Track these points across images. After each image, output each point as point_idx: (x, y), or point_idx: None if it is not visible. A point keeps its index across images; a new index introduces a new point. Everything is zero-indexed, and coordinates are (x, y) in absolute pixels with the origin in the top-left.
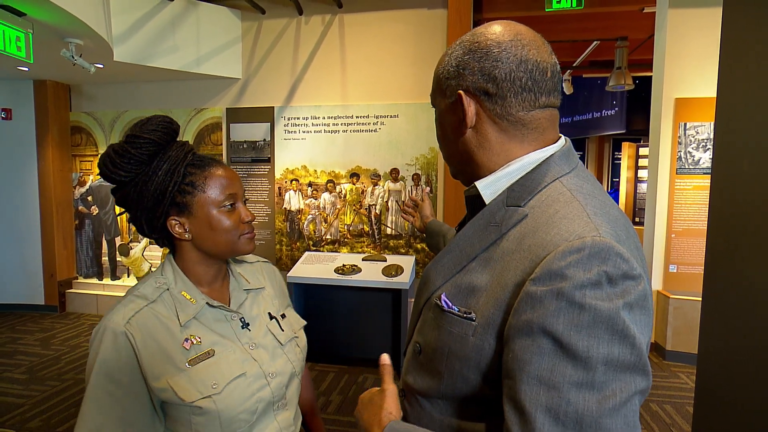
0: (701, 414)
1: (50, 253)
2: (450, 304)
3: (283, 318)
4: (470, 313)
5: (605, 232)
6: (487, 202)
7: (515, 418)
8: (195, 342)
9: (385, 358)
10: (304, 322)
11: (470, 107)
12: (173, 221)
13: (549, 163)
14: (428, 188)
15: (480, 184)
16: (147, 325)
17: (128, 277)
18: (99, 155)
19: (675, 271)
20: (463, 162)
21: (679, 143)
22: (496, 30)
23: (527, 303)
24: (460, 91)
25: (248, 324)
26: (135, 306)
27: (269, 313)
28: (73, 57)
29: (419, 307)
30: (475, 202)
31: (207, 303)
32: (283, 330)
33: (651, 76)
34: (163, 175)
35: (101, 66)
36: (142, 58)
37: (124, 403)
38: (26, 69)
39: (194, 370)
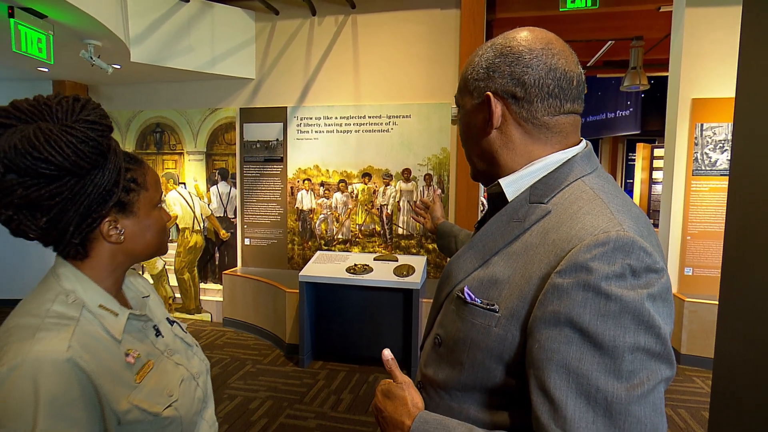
0: (717, 419)
1: None
2: (473, 296)
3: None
4: (493, 305)
5: (628, 227)
6: (509, 200)
7: (545, 406)
8: (135, 356)
9: (387, 353)
10: (185, 325)
11: (497, 109)
12: (108, 223)
13: (572, 164)
14: (439, 190)
15: (503, 182)
16: (88, 345)
17: (143, 274)
18: None
19: (690, 273)
20: (485, 161)
21: (696, 144)
22: (528, 36)
23: (553, 294)
24: (489, 93)
25: (159, 331)
26: (63, 328)
27: (167, 318)
28: (91, 58)
29: (440, 301)
30: (496, 200)
31: (130, 314)
32: (185, 332)
33: (667, 76)
34: (111, 170)
35: (118, 67)
36: (158, 58)
37: None
38: (46, 70)
39: (145, 384)
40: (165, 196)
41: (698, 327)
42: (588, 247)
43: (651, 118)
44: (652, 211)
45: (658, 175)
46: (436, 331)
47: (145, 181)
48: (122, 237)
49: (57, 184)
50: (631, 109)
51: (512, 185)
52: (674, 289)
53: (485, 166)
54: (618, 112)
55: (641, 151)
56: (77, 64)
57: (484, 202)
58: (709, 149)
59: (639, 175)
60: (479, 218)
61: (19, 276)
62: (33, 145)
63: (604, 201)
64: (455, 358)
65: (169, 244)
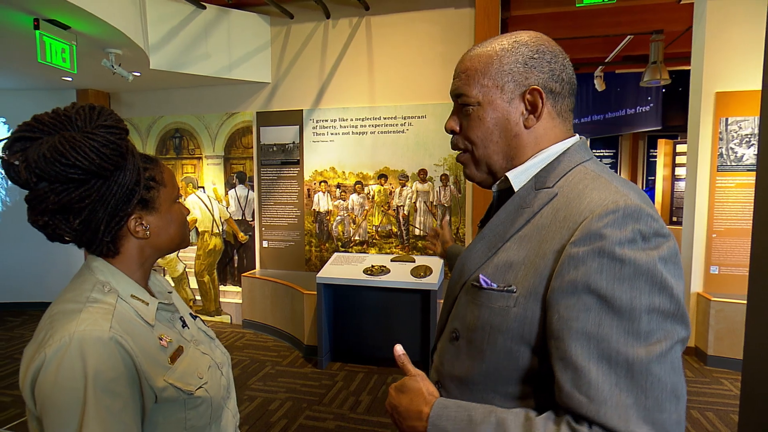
0: (747, 423)
1: None
2: (489, 282)
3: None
4: (510, 286)
5: (634, 198)
6: (516, 189)
7: (567, 374)
8: (168, 340)
9: (399, 348)
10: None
11: (547, 102)
12: (135, 220)
13: (572, 152)
14: (447, 217)
15: (511, 175)
16: (127, 328)
17: (164, 276)
18: None
19: (716, 272)
20: (509, 157)
21: (720, 139)
22: (550, 39)
23: (569, 264)
24: (538, 87)
25: (185, 322)
26: (105, 311)
27: (190, 313)
28: (112, 66)
29: (453, 296)
30: (503, 194)
31: (159, 303)
32: (206, 327)
33: (689, 70)
34: (132, 170)
35: (138, 74)
36: (177, 65)
37: (123, 417)
38: (70, 79)
39: (177, 366)
40: (184, 199)
41: (725, 327)
42: (600, 216)
43: (672, 114)
44: (675, 208)
45: (680, 171)
46: (451, 326)
47: (163, 178)
48: (148, 233)
49: (85, 187)
50: (651, 105)
51: (519, 177)
52: (699, 289)
53: (504, 163)
54: (638, 108)
55: (663, 147)
56: (99, 73)
57: None
58: (735, 144)
59: (661, 172)
60: (483, 216)
61: (43, 281)
62: (60, 152)
63: (607, 179)
64: (475, 347)
65: (189, 247)
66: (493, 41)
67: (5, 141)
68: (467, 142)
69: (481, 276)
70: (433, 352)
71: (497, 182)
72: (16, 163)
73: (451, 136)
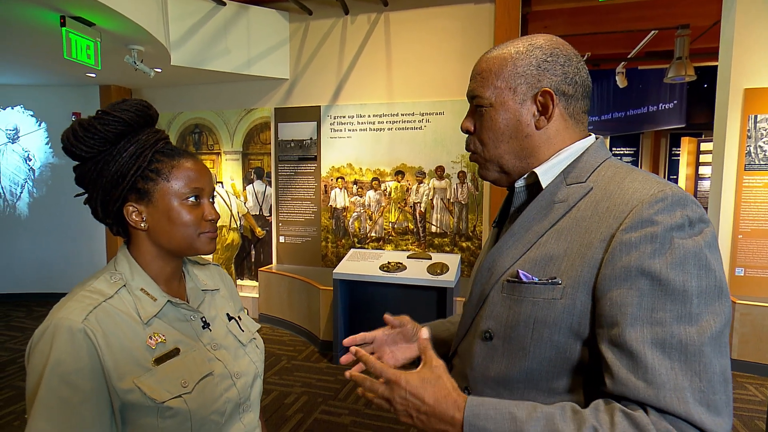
0: None
1: (114, 246)
2: (529, 276)
3: (239, 320)
4: (554, 278)
5: (676, 187)
6: (544, 186)
7: (622, 361)
8: (159, 340)
9: (425, 332)
10: (259, 326)
11: (558, 104)
12: (130, 207)
13: (594, 149)
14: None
15: (540, 170)
16: (106, 321)
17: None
18: None
19: (742, 274)
20: (520, 157)
21: (748, 137)
22: (565, 42)
23: (621, 251)
24: (549, 89)
25: (209, 324)
26: (91, 301)
27: (227, 314)
28: (135, 63)
29: (482, 296)
30: (523, 191)
31: (168, 301)
32: (243, 330)
33: (715, 66)
34: (127, 157)
35: (159, 70)
36: (197, 61)
37: (81, 411)
38: (94, 75)
39: (161, 369)
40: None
41: (751, 331)
42: (650, 203)
43: (697, 111)
44: None
45: (705, 170)
46: (483, 327)
47: (170, 173)
48: (145, 224)
49: (85, 167)
50: (675, 102)
51: (547, 173)
52: None
53: (517, 162)
54: (661, 105)
55: (686, 145)
56: (122, 69)
57: None
58: (764, 142)
59: (684, 171)
60: (497, 218)
61: (68, 273)
62: (65, 135)
63: (642, 172)
64: (516, 345)
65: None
66: (510, 44)
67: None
68: (479, 143)
69: (519, 271)
70: (452, 357)
71: (523, 178)
72: None
73: (467, 135)
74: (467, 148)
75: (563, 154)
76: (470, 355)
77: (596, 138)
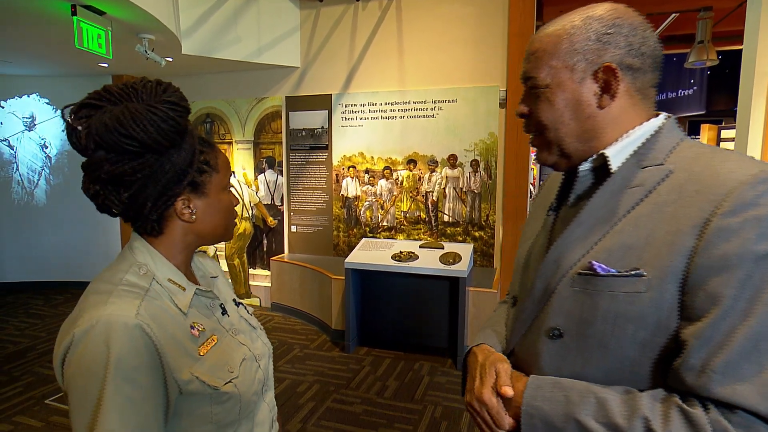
0: None
1: (127, 234)
2: (606, 267)
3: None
4: (637, 269)
5: None
6: (613, 170)
7: (702, 351)
8: (201, 329)
9: (508, 390)
10: (251, 309)
11: (624, 79)
12: (183, 201)
13: (668, 128)
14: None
15: (609, 152)
16: (155, 315)
17: (211, 258)
18: None
19: None
20: (583, 140)
21: None
22: (630, 9)
23: (719, 237)
24: (612, 64)
25: (226, 311)
26: (134, 296)
27: (234, 299)
28: (146, 52)
29: (549, 290)
30: (586, 175)
31: (197, 289)
32: (250, 314)
33: (738, 50)
34: (188, 150)
35: (170, 59)
36: (207, 50)
37: (143, 407)
38: (105, 65)
39: (208, 358)
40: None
41: None
42: (751, 185)
43: (718, 97)
44: None
45: None
46: (550, 324)
47: (217, 163)
48: (194, 216)
49: (140, 160)
50: (695, 88)
51: (617, 156)
52: None
53: (579, 146)
54: (680, 91)
55: (706, 132)
56: (133, 59)
57: (532, 189)
58: None
59: None
60: (553, 203)
61: (85, 261)
62: (120, 122)
63: (729, 152)
64: (593, 342)
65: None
66: (564, 18)
67: (72, 106)
68: (538, 126)
69: (594, 263)
70: (511, 355)
71: (590, 161)
72: (79, 128)
73: (522, 119)
74: (526, 131)
75: (633, 134)
76: (535, 355)
77: (667, 117)
